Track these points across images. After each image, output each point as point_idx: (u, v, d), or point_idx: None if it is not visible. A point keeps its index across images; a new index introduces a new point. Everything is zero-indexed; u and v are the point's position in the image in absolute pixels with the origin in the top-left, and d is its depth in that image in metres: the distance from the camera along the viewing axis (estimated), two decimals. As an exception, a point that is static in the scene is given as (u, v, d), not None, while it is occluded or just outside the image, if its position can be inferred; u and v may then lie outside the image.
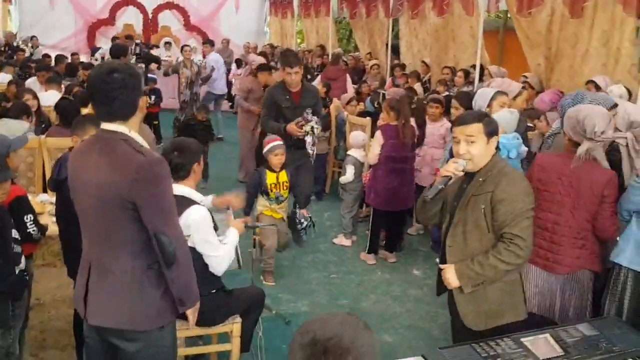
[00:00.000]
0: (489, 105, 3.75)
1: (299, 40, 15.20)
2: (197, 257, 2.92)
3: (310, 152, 4.88)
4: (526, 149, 3.62)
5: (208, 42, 11.11)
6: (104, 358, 2.34)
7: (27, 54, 11.63)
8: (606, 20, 5.82)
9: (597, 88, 5.02)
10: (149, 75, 8.78)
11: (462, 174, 2.57)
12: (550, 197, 2.92)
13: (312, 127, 4.71)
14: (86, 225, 2.24)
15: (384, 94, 8.16)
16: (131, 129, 2.16)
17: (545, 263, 2.95)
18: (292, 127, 4.73)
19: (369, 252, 5.20)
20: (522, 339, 2.31)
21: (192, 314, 2.39)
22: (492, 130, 2.54)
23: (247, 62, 6.65)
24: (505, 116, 3.52)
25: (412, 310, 4.30)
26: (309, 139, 4.76)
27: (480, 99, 3.82)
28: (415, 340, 3.86)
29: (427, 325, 4.04)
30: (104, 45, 13.21)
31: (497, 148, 2.66)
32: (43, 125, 5.14)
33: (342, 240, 5.57)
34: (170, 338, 2.33)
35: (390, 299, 4.50)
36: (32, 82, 6.97)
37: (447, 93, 6.90)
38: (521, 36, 6.81)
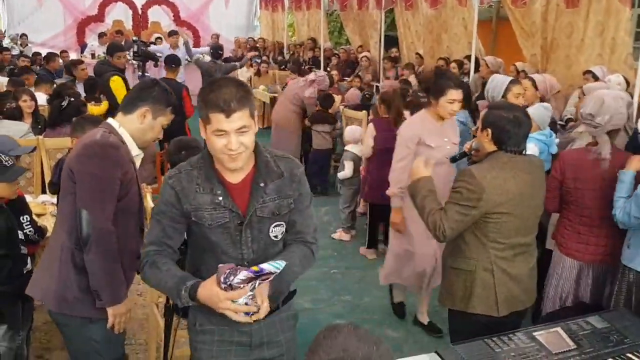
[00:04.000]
0: (504, 97, 3.60)
1: (290, 34, 15.12)
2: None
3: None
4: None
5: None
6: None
7: (16, 52, 11.49)
8: (601, 10, 5.84)
9: (595, 78, 5.04)
10: (145, 74, 8.77)
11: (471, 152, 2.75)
12: (592, 194, 2.82)
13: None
14: None
15: (377, 87, 8.17)
16: (121, 126, 2.31)
17: (601, 258, 2.87)
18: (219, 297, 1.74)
19: (368, 247, 5.20)
20: (534, 333, 2.31)
21: (111, 314, 2.26)
22: (485, 123, 2.53)
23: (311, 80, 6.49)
24: (540, 112, 3.41)
25: (415, 305, 4.30)
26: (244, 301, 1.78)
27: (494, 90, 3.69)
28: (420, 335, 3.87)
29: (432, 320, 4.04)
30: (93, 41, 13.10)
31: (500, 146, 2.51)
32: (39, 126, 5.09)
33: (341, 235, 5.57)
34: (101, 334, 2.30)
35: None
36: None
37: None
38: (515, 27, 6.82)
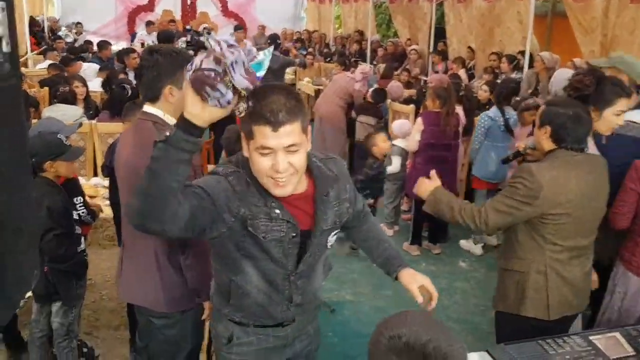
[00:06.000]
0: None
1: (336, 26, 15.05)
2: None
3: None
4: None
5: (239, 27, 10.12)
6: None
7: (71, 40, 11.83)
8: (667, 6, 5.57)
9: (658, 76, 4.81)
10: None
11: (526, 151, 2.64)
12: None
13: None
14: (121, 203, 2.31)
15: (425, 81, 8.05)
16: (165, 113, 2.18)
17: None
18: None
19: (412, 243, 5.14)
20: (590, 337, 2.22)
21: (208, 307, 2.31)
22: (543, 120, 2.42)
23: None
24: None
25: (460, 304, 4.23)
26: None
27: (558, 84, 3.55)
28: (465, 334, 3.79)
29: (476, 319, 3.96)
30: (142, 31, 13.38)
31: (560, 144, 2.37)
32: (91, 112, 5.22)
33: (384, 229, 5.51)
34: (192, 322, 2.33)
35: (436, 290, 4.41)
36: (88, 67, 7.12)
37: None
38: (573, 22, 6.59)
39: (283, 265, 1.74)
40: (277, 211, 1.64)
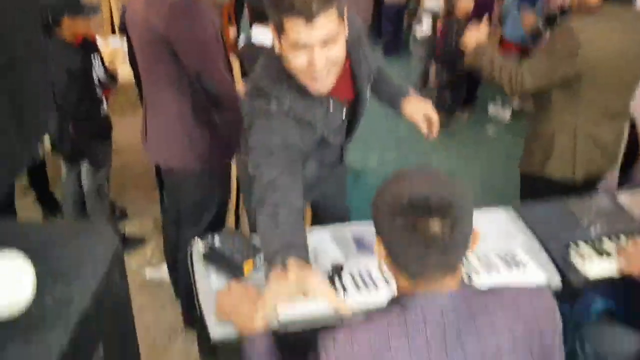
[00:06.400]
0: None
1: None
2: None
3: None
4: None
5: None
6: None
7: None
8: None
9: None
10: None
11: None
12: None
13: None
14: (139, 63, 2.25)
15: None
16: None
17: None
18: None
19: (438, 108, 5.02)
20: (617, 196, 2.19)
21: None
22: None
23: None
24: None
25: (486, 169, 4.21)
26: None
27: None
28: (491, 198, 3.79)
29: (501, 185, 3.95)
30: None
31: None
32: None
33: (411, 93, 5.38)
34: (216, 181, 2.34)
35: (462, 157, 4.40)
36: None
37: None
38: None
39: (339, 143, 1.78)
40: (332, 106, 1.59)
